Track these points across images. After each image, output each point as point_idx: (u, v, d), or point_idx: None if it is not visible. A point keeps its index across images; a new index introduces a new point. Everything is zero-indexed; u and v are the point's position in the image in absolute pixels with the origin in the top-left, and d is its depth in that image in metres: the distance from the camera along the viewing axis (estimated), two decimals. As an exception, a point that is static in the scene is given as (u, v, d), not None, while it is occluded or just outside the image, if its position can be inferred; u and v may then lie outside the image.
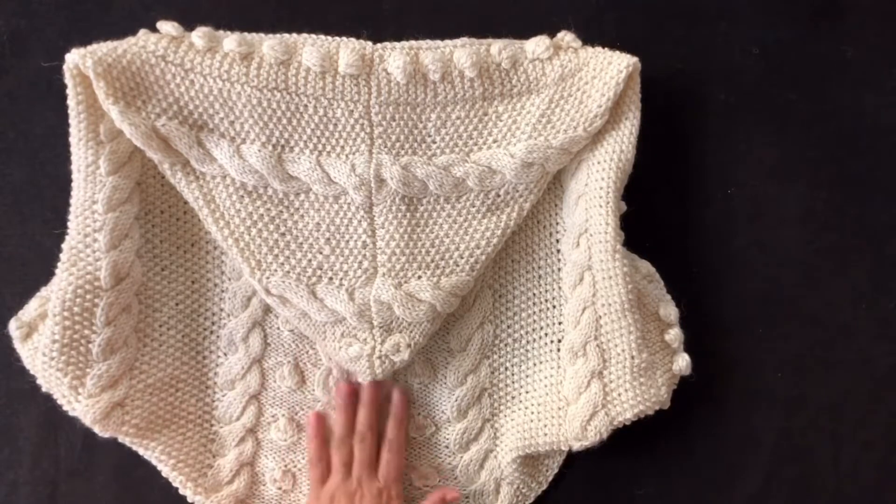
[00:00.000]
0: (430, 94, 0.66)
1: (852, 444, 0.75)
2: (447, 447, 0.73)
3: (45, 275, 0.67)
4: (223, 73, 0.64)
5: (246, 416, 0.71)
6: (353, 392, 0.71)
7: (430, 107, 0.67)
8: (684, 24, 0.77)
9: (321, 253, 0.67)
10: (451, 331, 0.72)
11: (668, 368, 0.69)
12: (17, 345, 0.66)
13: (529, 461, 0.72)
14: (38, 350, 0.65)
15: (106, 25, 0.74)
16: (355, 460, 0.69)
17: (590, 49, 0.68)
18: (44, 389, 0.65)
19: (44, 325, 0.65)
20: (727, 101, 0.76)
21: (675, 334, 0.69)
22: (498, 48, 0.66)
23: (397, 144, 0.67)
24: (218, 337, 0.72)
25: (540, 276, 0.72)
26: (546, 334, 0.72)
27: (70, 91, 0.63)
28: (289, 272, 0.66)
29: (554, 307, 0.72)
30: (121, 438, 0.67)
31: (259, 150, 0.65)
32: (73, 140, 0.65)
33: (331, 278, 0.67)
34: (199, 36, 0.64)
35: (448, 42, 0.67)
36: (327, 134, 0.66)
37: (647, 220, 0.72)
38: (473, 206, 0.68)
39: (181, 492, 0.69)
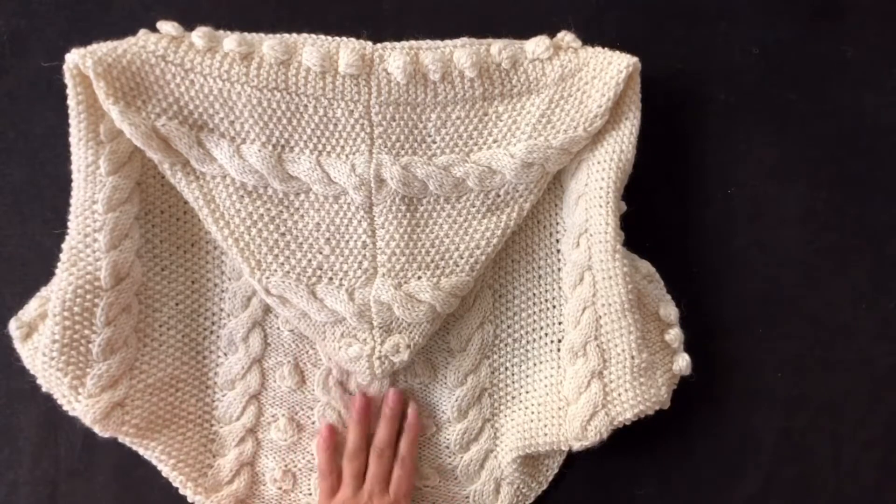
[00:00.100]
0: (430, 94, 0.66)
1: (852, 444, 0.75)
2: (447, 447, 0.73)
3: (45, 275, 0.67)
4: (223, 73, 0.64)
5: (246, 416, 0.71)
6: (369, 406, 0.71)
7: (430, 107, 0.67)
8: (684, 24, 0.77)
9: (321, 253, 0.67)
10: (451, 331, 0.72)
11: (668, 368, 0.69)
12: (17, 345, 0.66)
13: (529, 461, 0.72)
14: (38, 350, 0.65)
15: (106, 25, 0.74)
16: (371, 475, 0.69)
17: (590, 49, 0.68)
18: (44, 389, 0.65)
19: (44, 325, 0.65)
20: (727, 101, 0.76)
21: (675, 334, 0.69)
22: (498, 48, 0.66)
23: (397, 144, 0.67)
24: (218, 337, 0.72)
25: (540, 276, 0.72)
26: (546, 334, 0.72)
27: (70, 91, 0.63)
28: (289, 272, 0.66)
29: (554, 307, 0.72)
30: (121, 438, 0.67)
31: (259, 150, 0.65)
32: (73, 140, 0.65)
33: (331, 278, 0.67)
34: (199, 36, 0.64)
35: (448, 42, 0.67)
36: (327, 134, 0.66)
37: (647, 220, 0.72)
38: (473, 207, 0.68)
39: (181, 492, 0.69)
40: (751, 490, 0.75)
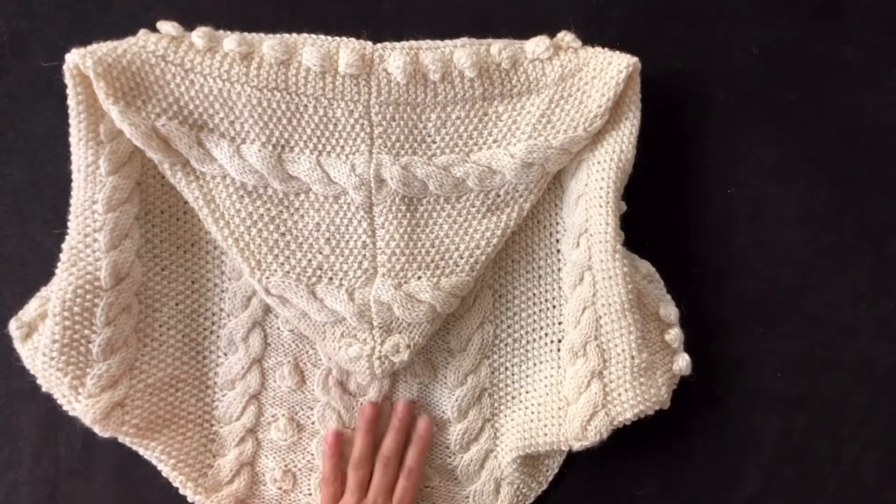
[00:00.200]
0: (430, 94, 0.66)
1: (852, 444, 0.75)
2: (447, 447, 0.73)
3: (45, 275, 0.67)
4: (223, 73, 0.64)
5: (246, 415, 0.71)
6: (377, 415, 0.71)
7: (430, 107, 0.67)
8: (684, 24, 0.77)
9: (321, 253, 0.67)
10: (451, 331, 0.72)
11: (668, 368, 0.68)
12: (17, 345, 0.66)
13: (529, 461, 0.72)
14: (38, 350, 0.65)
15: (106, 25, 0.74)
16: (376, 483, 0.69)
17: (590, 49, 0.68)
18: (44, 389, 0.65)
19: (44, 325, 0.65)
20: (727, 101, 0.76)
21: (675, 334, 0.69)
22: (498, 48, 0.66)
23: (397, 144, 0.67)
24: (218, 337, 0.72)
25: (540, 276, 0.72)
26: (546, 334, 0.72)
27: (70, 91, 0.63)
28: (289, 272, 0.66)
29: (554, 307, 0.72)
30: (121, 438, 0.67)
31: (259, 150, 0.65)
32: (73, 140, 0.65)
33: (331, 278, 0.67)
34: (199, 36, 0.64)
35: (448, 42, 0.67)
36: (327, 134, 0.66)
37: (647, 220, 0.72)
38: (473, 207, 0.68)
39: (181, 492, 0.69)
40: (751, 490, 0.75)
